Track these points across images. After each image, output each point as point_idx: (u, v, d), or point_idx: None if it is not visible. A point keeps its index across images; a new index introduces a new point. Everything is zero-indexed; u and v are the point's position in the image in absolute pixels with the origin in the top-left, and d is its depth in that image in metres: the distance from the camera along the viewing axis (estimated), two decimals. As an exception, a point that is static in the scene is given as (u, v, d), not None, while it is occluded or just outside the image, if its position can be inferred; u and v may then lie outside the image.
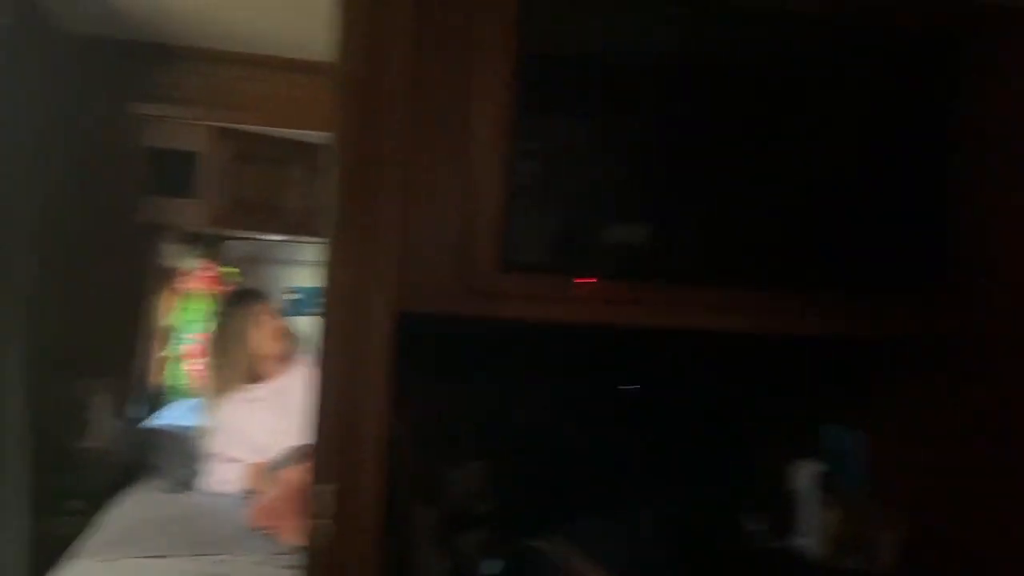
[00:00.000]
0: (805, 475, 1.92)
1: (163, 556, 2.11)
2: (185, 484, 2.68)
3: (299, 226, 3.32)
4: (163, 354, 3.43)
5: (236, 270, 3.91)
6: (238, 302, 2.88)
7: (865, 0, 1.57)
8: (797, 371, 1.99)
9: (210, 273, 3.72)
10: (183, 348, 3.57)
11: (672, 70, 1.55)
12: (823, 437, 2.03)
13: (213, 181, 3.09)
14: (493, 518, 1.69)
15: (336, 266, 1.26)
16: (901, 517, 1.80)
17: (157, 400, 3.32)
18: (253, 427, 2.64)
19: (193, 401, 3.11)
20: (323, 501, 1.21)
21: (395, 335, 1.27)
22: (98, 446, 2.76)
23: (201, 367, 3.07)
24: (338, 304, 1.26)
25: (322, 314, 1.27)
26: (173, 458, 2.75)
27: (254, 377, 2.78)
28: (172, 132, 3.05)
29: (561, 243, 1.50)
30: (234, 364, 2.76)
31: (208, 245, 3.71)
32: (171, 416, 3.16)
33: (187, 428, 2.88)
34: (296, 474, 2.33)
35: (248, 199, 3.19)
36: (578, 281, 1.45)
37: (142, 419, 3.06)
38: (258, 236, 3.68)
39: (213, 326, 2.91)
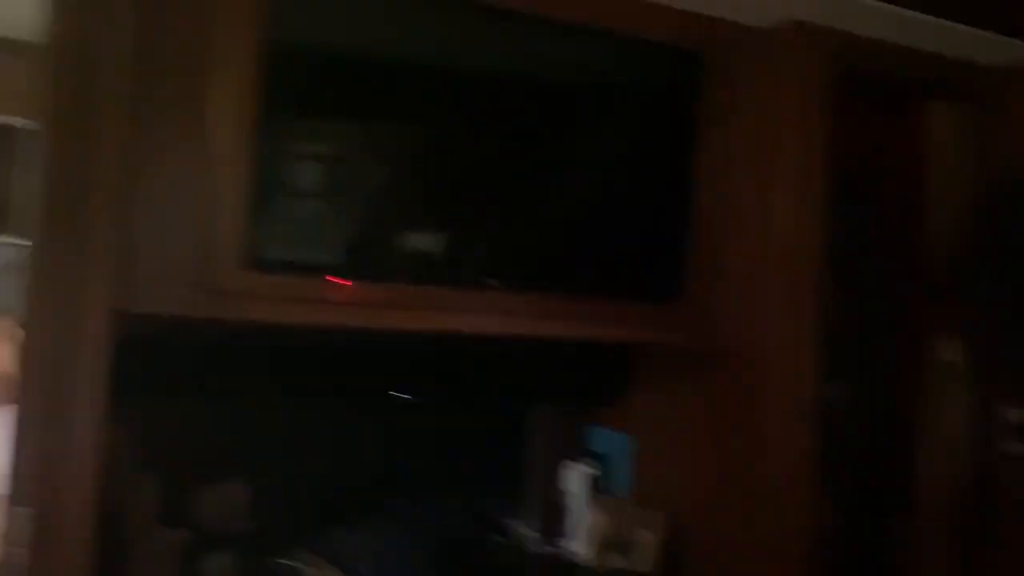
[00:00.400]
0: (575, 478, 1.95)
1: None
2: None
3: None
4: None
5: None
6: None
7: (619, 11, 1.61)
8: (566, 376, 2.02)
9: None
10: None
11: (435, 77, 1.54)
12: (592, 440, 2.07)
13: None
14: (246, 538, 1.59)
15: (40, 263, 1.13)
16: (661, 517, 1.86)
17: None
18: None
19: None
20: (18, 526, 1.07)
21: (111, 340, 1.15)
22: None
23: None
24: (42, 305, 1.13)
25: (25, 317, 1.13)
26: None
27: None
28: None
29: (320, 243, 1.44)
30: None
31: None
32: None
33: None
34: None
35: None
36: (329, 280, 1.38)
37: None
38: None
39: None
